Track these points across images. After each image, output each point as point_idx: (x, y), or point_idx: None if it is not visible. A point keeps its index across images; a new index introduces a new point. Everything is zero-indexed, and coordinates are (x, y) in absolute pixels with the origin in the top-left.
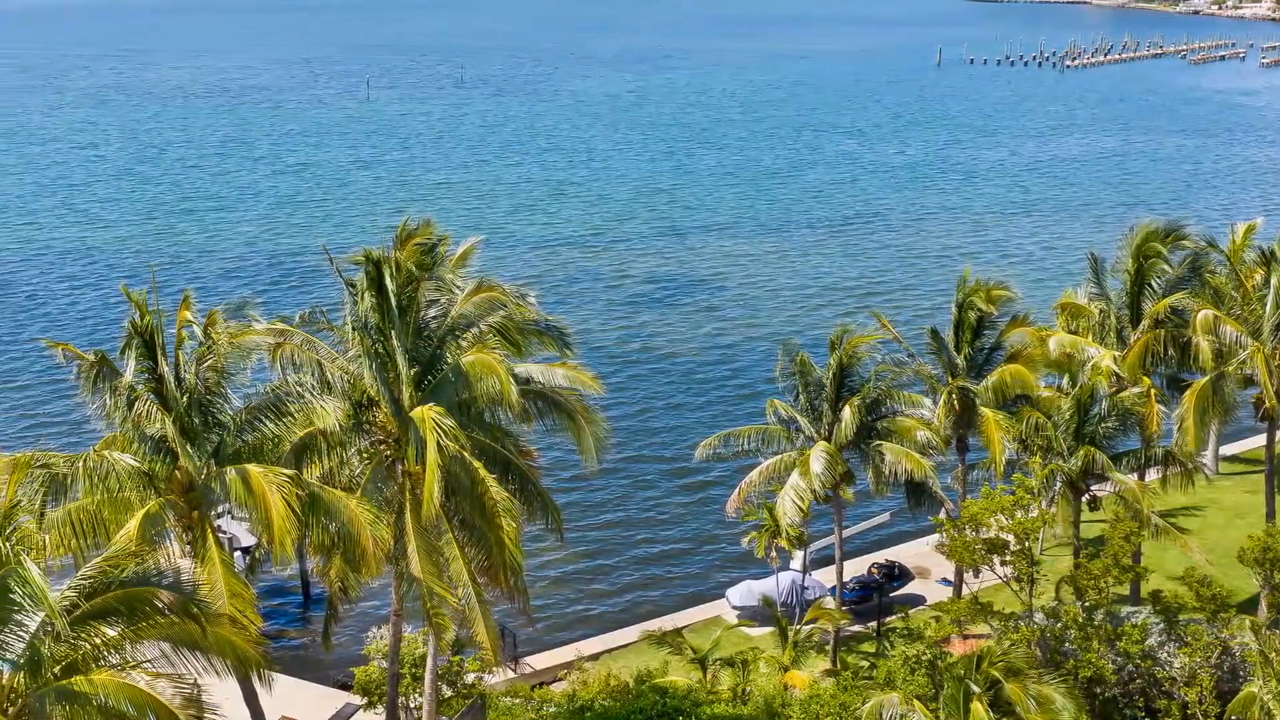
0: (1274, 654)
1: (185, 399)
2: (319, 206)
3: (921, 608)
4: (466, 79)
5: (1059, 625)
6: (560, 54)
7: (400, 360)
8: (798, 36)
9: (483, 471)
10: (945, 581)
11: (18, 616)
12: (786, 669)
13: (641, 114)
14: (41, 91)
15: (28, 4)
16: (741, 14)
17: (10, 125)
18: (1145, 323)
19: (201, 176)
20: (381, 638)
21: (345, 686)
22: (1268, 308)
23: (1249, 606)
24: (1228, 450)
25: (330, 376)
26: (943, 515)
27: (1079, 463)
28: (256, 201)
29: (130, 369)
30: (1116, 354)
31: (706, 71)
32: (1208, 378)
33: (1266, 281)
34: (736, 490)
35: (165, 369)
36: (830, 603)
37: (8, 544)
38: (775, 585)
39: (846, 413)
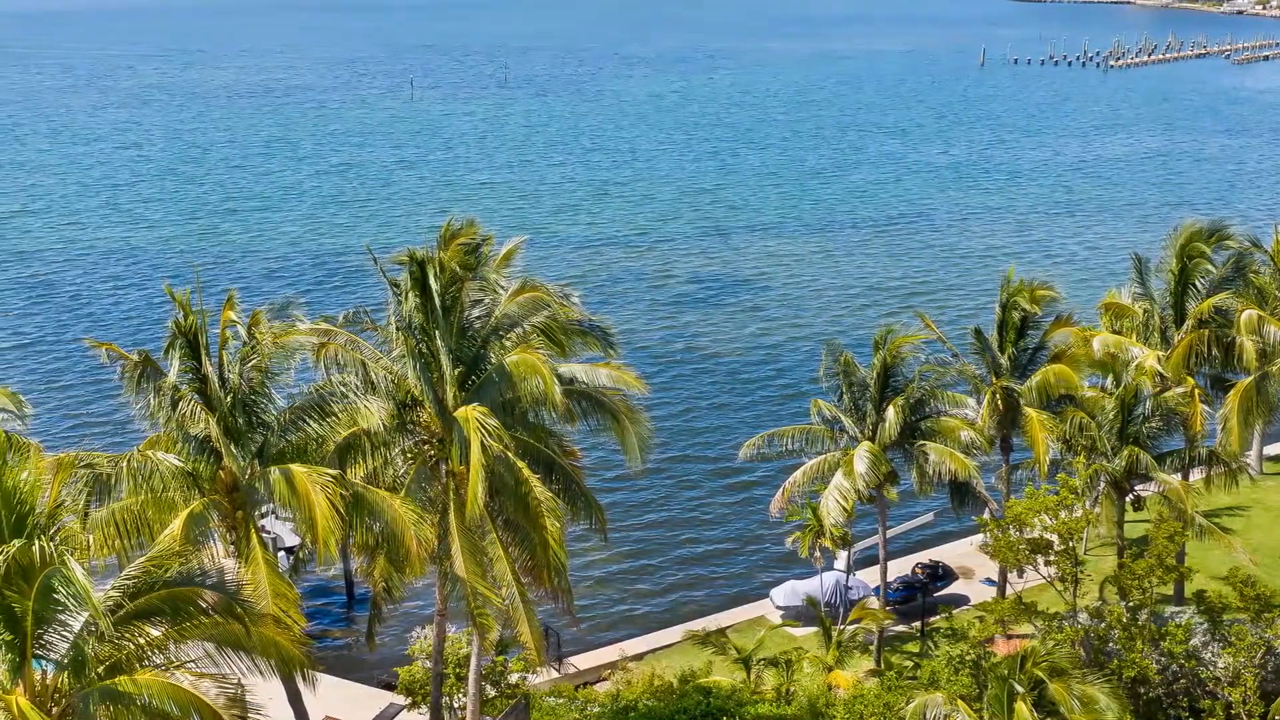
0: None
1: (229, 399)
2: (363, 206)
3: (965, 608)
4: (510, 79)
5: (1103, 625)
6: (604, 54)
7: (444, 360)
8: (841, 36)
9: (526, 471)
10: (989, 581)
11: (61, 616)
12: (830, 669)
13: (685, 114)
14: (85, 91)
15: (69, 5)
16: (785, 14)
17: (54, 125)
18: (1189, 323)
19: (245, 176)
20: (425, 638)
21: (389, 686)
22: None
23: None
24: (1272, 450)
25: (374, 376)
26: (986, 515)
27: (1123, 463)
28: (300, 201)
29: (174, 369)
30: (1160, 354)
31: (750, 71)
32: (1252, 378)
33: None
34: (780, 490)
35: (209, 369)
36: (874, 603)
37: (52, 544)
38: (819, 585)
39: (890, 413)
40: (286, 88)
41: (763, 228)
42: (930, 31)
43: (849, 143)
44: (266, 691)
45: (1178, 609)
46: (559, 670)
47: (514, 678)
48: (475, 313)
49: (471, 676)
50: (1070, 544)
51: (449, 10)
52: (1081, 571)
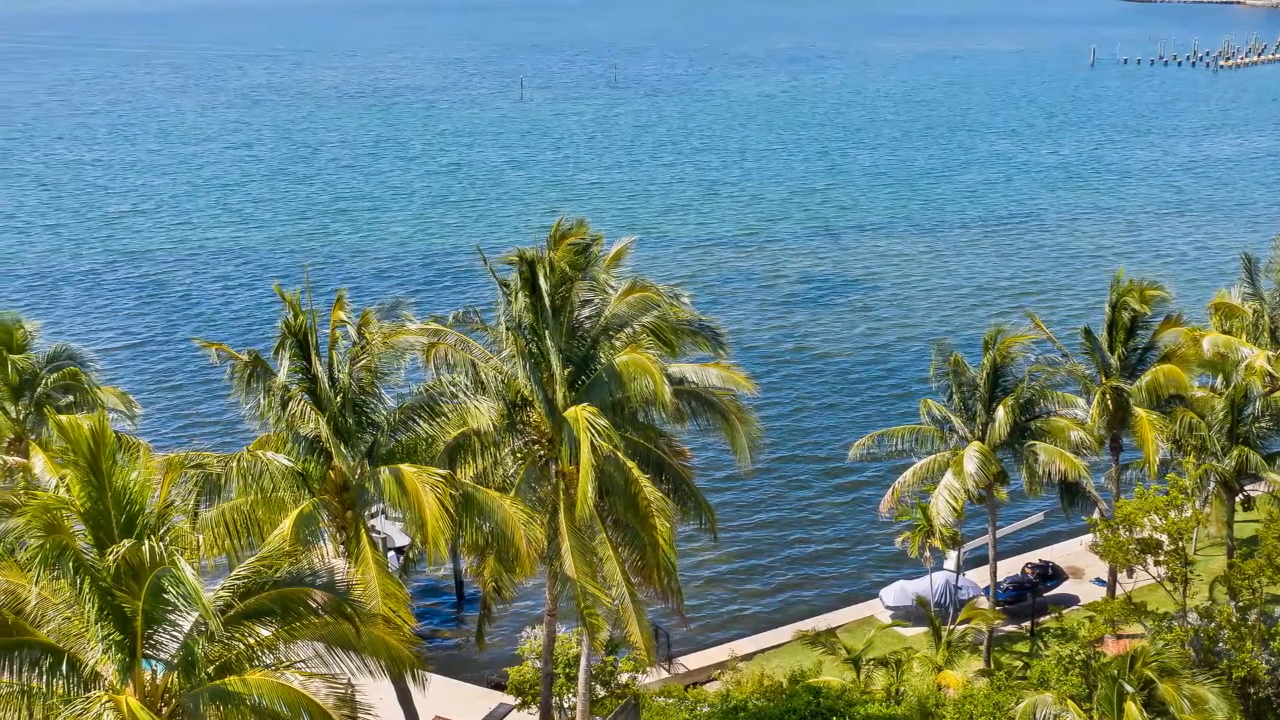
0: None
1: (339, 399)
2: (472, 206)
3: (1075, 608)
4: (620, 79)
5: (1213, 625)
6: (714, 54)
7: (554, 360)
8: (951, 36)
9: (636, 471)
10: (1099, 581)
11: (171, 616)
12: (940, 669)
13: (795, 114)
14: (195, 92)
15: (179, 6)
16: (894, 14)
17: (165, 125)
18: None
19: (355, 176)
20: (535, 638)
21: (499, 686)
22: None
23: None
24: None
25: (484, 376)
26: (1096, 515)
27: (1233, 462)
28: (410, 201)
29: (284, 369)
30: (1270, 354)
31: (860, 71)
32: None
33: None
34: (890, 490)
35: (319, 369)
36: (984, 603)
37: (161, 544)
38: (929, 585)
39: (1000, 413)
40: (396, 88)
41: (872, 228)
42: (1041, 31)
43: (959, 142)
44: (376, 692)
45: None
46: (669, 670)
47: (624, 678)
48: (585, 313)
49: (581, 676)
50: (1180, 544)
51: (558, 10)
52: (1191, 571)
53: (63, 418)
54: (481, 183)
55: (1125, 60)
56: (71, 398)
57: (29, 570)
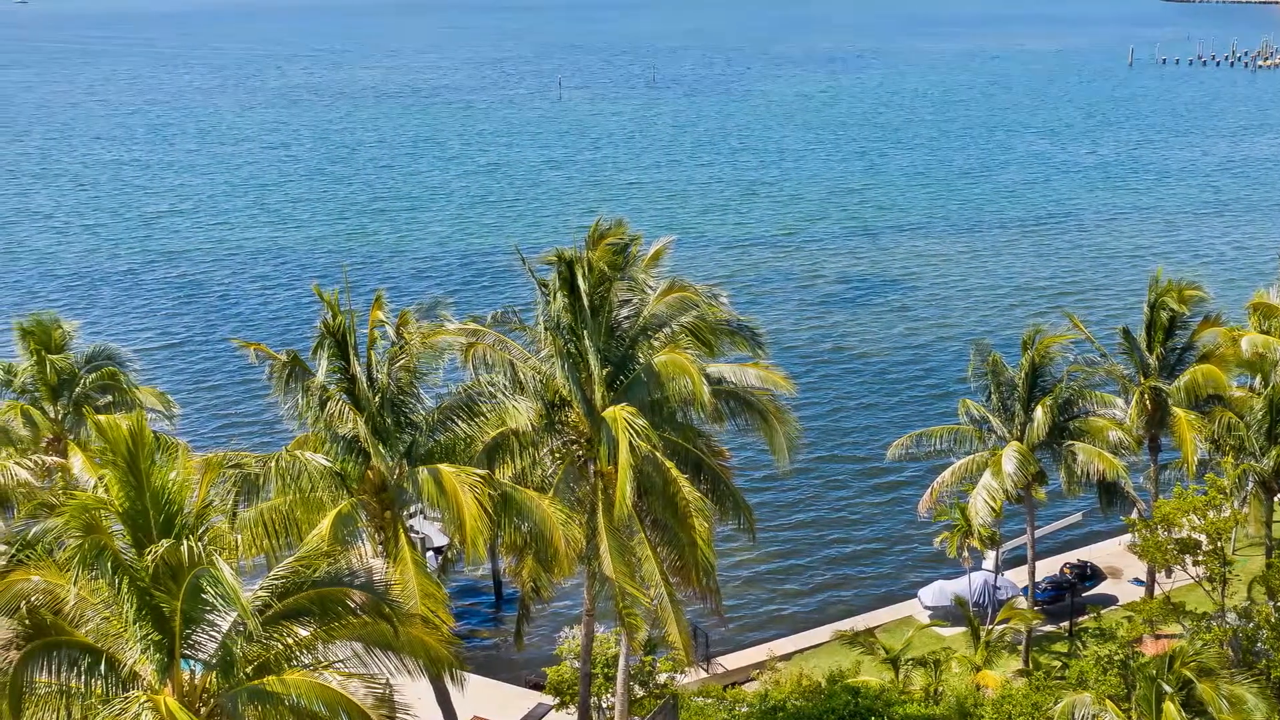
0: None
1: (377, 399)
2: (510, 206)
3: (1114, 608)
4: (658, 79)
5: (1251, 625)
6: (752, 54)
7: (592, 360)
8: (990, 36)
9: (675, 471)
10: (1137, 581)
11: (210, 616)
12: (979, 669)
13: (832, 114)
14: (233, 91)
15: (218, 5)
16: (933, 14)
17: (203, 125)
18: None
19: (393, 176)
20: (573, 638)
21: (537, 686)
22: None
23: None
24: None
25: (522, 376)
26: (1135, 515)
27: (1271, 462)
28: (448, 201)
29: (322, 369)
30: None
31: (898, 71)
32: None
33: None
34: (928, 490)
35: (358, 369)
36: (1023, 603)
37: (200, 544)
38: (967, 585)
39: (1039, 413)
40: (434, 87)
41: (910, 228)
42: (1079, 31)
43: (997, 142)
44: (414, 691)
45: None
46: (707, 670)
47: (662, 678)
48: (624, 313)
49: (620, 676)
50: (1218, 544)
51: (597, 10)
52: (1230, 571)
53: (101, 418)
54: (520, 183)
55: (1164, 60)
56: (110, 397)
57: (67, 570)
